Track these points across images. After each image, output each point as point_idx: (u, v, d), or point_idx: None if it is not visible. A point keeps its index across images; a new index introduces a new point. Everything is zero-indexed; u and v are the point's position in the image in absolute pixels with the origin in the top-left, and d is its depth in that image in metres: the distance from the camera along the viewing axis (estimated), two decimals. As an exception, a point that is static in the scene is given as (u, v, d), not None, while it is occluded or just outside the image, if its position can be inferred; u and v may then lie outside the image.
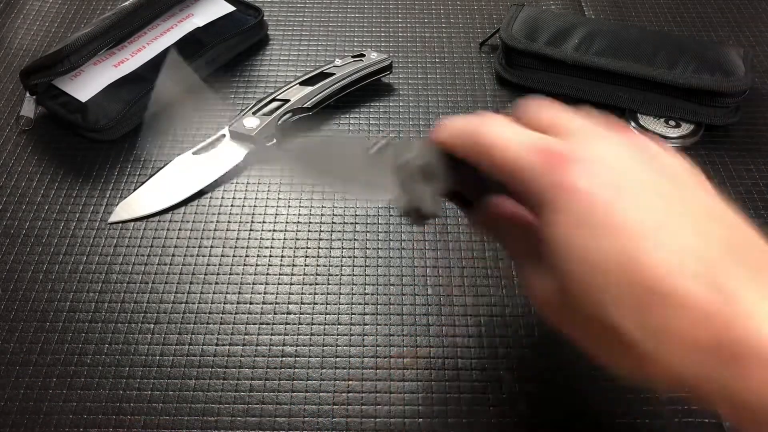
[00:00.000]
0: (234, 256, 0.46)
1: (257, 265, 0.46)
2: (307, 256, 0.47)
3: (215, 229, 0.48)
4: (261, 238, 0.47)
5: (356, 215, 0.49)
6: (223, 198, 0.50)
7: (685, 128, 0.54)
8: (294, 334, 0.42)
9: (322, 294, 0.45)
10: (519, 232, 0.31)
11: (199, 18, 0.60)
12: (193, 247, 0.47)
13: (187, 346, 0.42)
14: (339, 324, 0.43)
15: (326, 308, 0.44)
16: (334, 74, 0.56)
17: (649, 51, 0.55)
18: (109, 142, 0.54)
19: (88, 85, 0.54)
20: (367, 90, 0.58)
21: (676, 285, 0.22)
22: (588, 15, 0.66)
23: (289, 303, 0.44)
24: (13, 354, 0.41)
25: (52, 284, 0.45)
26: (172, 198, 0.50)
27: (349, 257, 0.47)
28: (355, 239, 0.48)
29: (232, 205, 0.50)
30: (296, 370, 0.41)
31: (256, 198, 0.49)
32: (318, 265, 0.46)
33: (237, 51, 0.61)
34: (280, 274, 0.45)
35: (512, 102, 0.57)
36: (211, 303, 0.44)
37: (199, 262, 0.46)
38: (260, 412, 0.39)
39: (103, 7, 0.67)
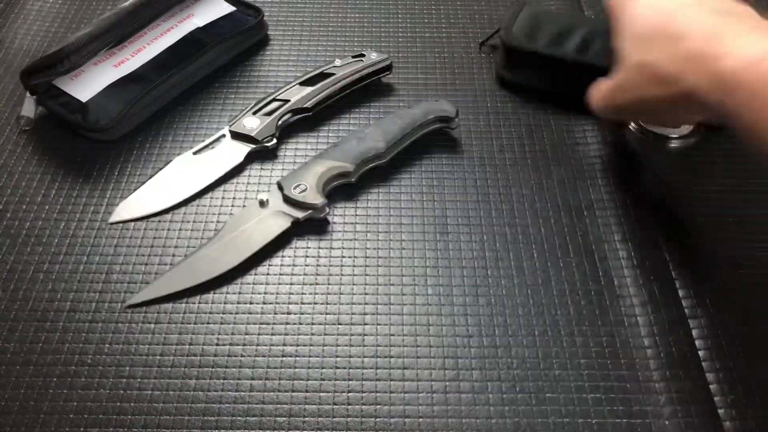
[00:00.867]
0: (234, 256, 0.46)
1: (257, 264, 0.46)
2: (307, 256, 0.47)
3: (215, 229, 0.48)
4: (261, 238, 0.47)
5: (356, 215, 0.49)
6: (223, 198, 0.50)
7: (685, 128, 0.54)
8: (294, 334, 0.42)
9: (322, 294, 0.45)
10: None
11: (199, 18, 0.60)
12: (193, 247, 0.47)
13: (187, 346, 0.42)
14: (339, 324, 0.43)
15: (326, 308, 0.44)
16: (334, 74, 0.56)
17: None
18: (109, 142, 0.54)
19: (88, 85, 0.54)
20: (367, 90, 0.58)
21: (689, 35, 0.39)
22: (588, 15, 0.66)
23: (289, 303, 0.44)
24: (13, 354, 0.41)
25: (52, 284, 0.45)
26: (172, 198, 0.50)
27: (349, 257, 0.47)
28: (355, 239, 0.48)
29: (232, 205, 0.50)
30: (296, 370, 0.41)
31: (256, 198, 0.49)
32: (318, 265, 0.46)
33: (237, 51, 0.61)
34: (280, 274, 0.45)
35: (512, 102, 0.57)
36: (211, 303, 0.44)
37: (200, 262, 0.46)
38: (260, 412, 0.39)
39: (103, 7, 0.67)
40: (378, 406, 0.39)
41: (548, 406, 0.39)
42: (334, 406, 0.39)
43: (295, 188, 0.48)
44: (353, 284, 0.45)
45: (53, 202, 0.50)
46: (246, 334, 0.42)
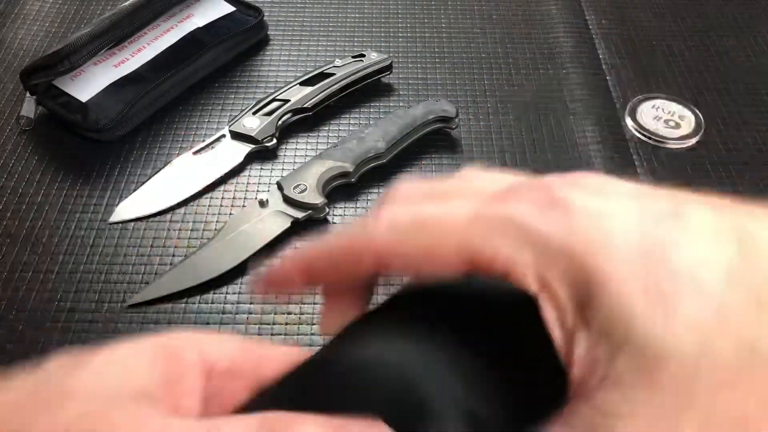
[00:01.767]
0: (234, 256, 0.46)
1: (257, 264, 0.46)
2: (307, 256, 0.46)
3: (215, 229, 0.48)
4: (261, 238, 0.47)
5: (356, 215, 0.49)
6: (223, 198, 0.50)
7: (685, 128, 0.54)
8: (294, 334, 0.42)
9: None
10: None
11: (199, 18, 0.60)
12: (193, 247, 0.47)
13: (187, 346, 0.42)
14: (339, 324, 0.43)
15: (326, 308, 0.44)
16: (334, 74, 0.56)
17: None
18: (109, 142, 0.54)
19: (88, 85, 0.54)
20: (367, 90, 0.58)
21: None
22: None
23: (289, 303, 0.44)
24: (13, 354, 0.41)
25: (52, 284, 0.45)
26: (172, 198, 0.50)
27: (349, 257, 0.46)
28: (355, 239, 0.48)
29: (232, 206, 0.50)
30: (296, 370, 0.41)
31: (256, 198, 0.49)
32: (318, 265, 0.46)
33: (237, 51, 0.61)
34: (280, 274, 0.45)
35: (512, 102, 0.57)
36: (211, 303, 0.44)
37: (199, 262, 0.46)
38: (260, 412, 0.39)
39: (103, 7, 0.67)
40: (378, 406, 0.39)
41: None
42: (334, 406, 0.39)
43: (294, 188, 0.48)
44: (353, 284, 0.45)
45: (53, 202, 0.50)
46: (246, 333, 0.42)
